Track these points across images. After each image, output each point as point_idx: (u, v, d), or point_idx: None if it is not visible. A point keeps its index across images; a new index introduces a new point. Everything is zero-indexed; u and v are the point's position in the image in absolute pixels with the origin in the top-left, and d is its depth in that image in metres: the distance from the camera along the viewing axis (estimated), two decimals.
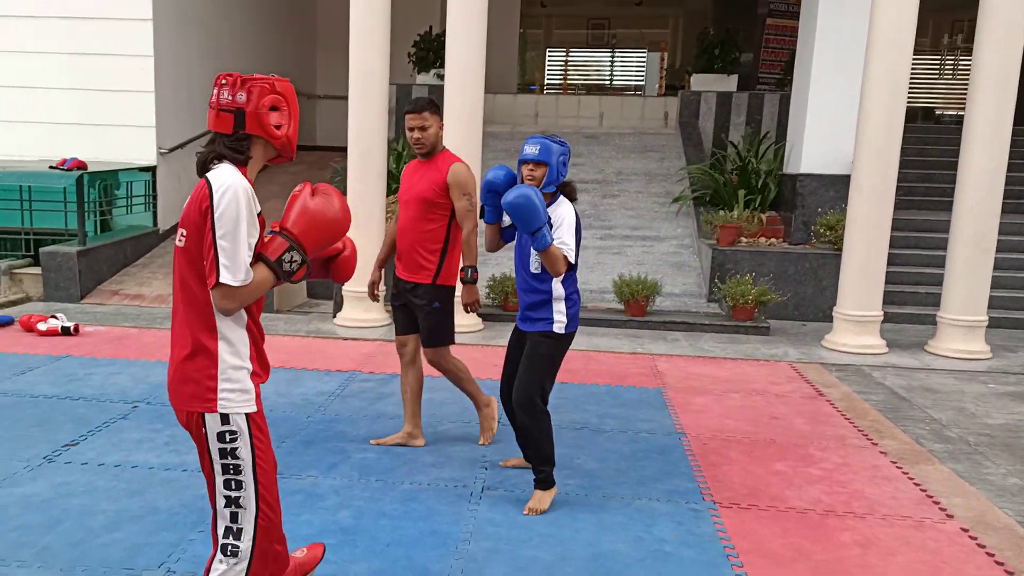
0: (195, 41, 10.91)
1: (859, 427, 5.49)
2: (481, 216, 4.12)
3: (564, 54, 20.89)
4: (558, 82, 21.60)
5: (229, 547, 2.57)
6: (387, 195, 9.65)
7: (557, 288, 3.92)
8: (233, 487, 2.55)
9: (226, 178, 2.43)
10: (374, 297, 4.82)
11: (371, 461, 4.59)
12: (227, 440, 2.52)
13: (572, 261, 3.82)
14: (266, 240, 2.52)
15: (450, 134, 7.73)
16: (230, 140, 2.50)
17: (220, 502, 2.57)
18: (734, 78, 13.44)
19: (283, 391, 5.84)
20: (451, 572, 3.40)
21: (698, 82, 13.47)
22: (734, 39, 13.51)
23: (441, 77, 10.05)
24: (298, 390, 5.86)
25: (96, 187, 9.26)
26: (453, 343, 4.76)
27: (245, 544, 2.58)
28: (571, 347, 7.24)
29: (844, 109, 9.53)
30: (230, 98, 2.48)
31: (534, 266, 3.92)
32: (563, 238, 3.78)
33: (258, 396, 2.59)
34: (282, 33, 14.26)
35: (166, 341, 7.04)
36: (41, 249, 8.57)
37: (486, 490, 4.25)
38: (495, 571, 3.43)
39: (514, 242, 4.14)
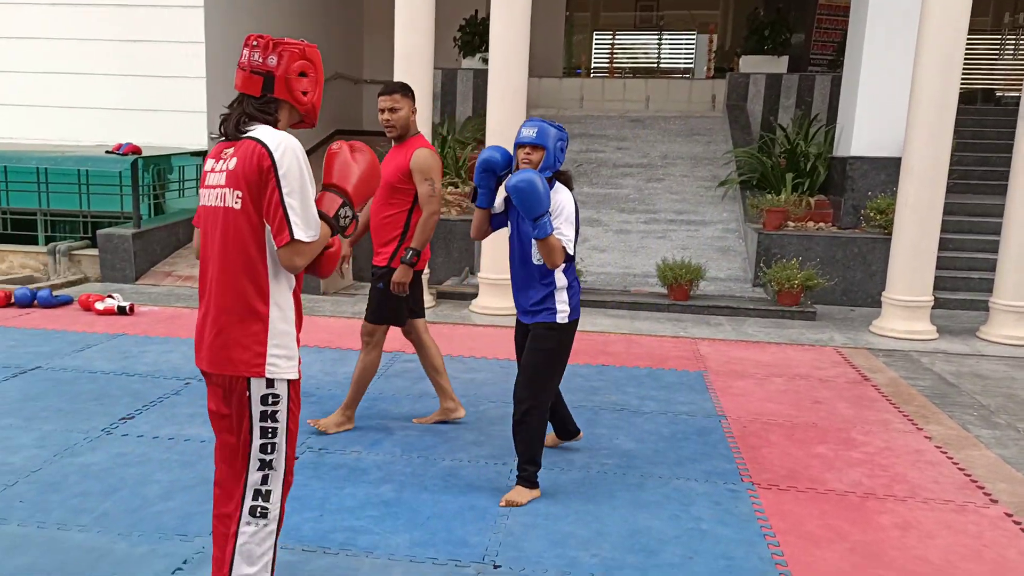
0: (245, 27, 11.07)
1: (904, 412, 5.44)
2: (472, 200, 3.94)
3: (611, 37, 20.74)
4: (605, 66, 21.47)
5: (259, 509, 2.57)
6: None
7: (560, 278, 3.80)
8: (268, 450, 2.55)
9: (279, 136, 2.42)
10: (341, 273, 4.93)
11: (413, 438, 4.68)
12: (269, 403, 2.52)
13: (571, 252, 3.71)
14: (317, 198, 2.52)
15: (493, 117, 7.79)
16: (258, 102, 2.48)
17: (253, 465, 2.56)
18: (784, 59, 13.27)
19: (329, 370, 5.96)
20: (489, 545, 3.48)
21: (747, 64, 13.32)
22: (785, 20, 13.32)
23: (486, 61, 10.08)
24: (343, 369, 5.98)
25: (150, 171, 9.50)
26: (397, 325, 4.68)
27: (274, 506, 2.59)
28: (613, 329, 7.32)
29: (896, 90, 9.37)
30: (260, 60, 2.46)
31: (537, 257, 3.76)
32: (561, 228, 3.64)
33: (299, 362, 2.61)
34: (330, 18, 14.41)
35: None
36: (98, 231, 8.83)
37: None
38: (533, 545, 3.49)
39: (505, 230, 3.99)
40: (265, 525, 2.59)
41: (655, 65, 20.37)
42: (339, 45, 14.69)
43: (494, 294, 7.96)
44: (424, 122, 7.98)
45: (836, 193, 10.61)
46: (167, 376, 5.63)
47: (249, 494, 2.58)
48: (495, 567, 3.31)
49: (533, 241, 3.72)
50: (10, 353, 6.02)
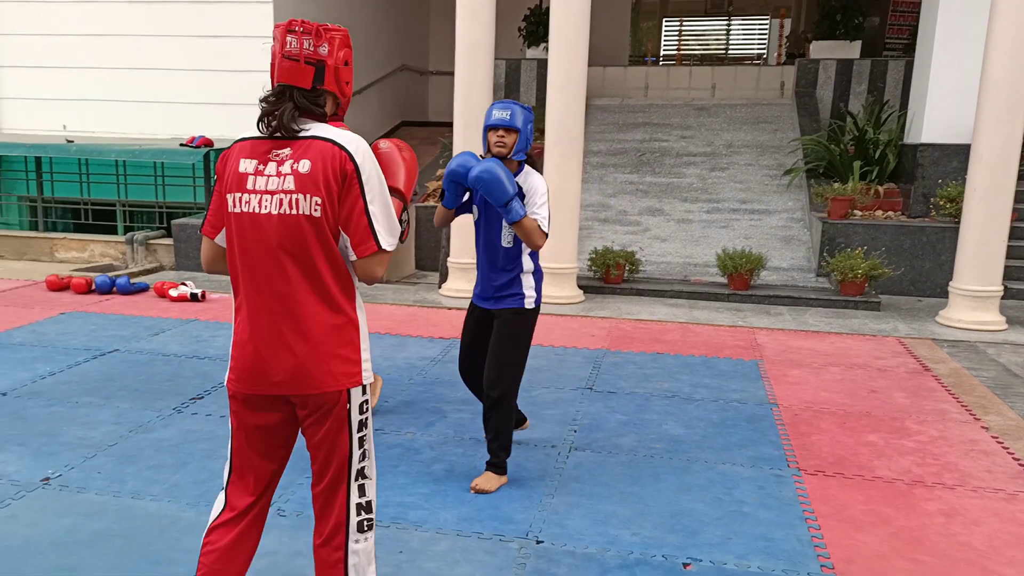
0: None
1: (963, 402, 5.37)
2: (440, 198, 3.96)
3: (679, 24, 20.56)
4: (675, 53, 21.27)
5: (365, 523, 2.43)
6: None
7: (527, 262, 3.85)
8: (364, 458, 2.43)
9: (351, 137, 2.26)
10: None
11: (466, 421, 4.83)
12: (363, 411, 2.40)
13: (547, 232, 3.72)
14: None
15: (552, 107, 7.87)
16: (310, 95, 2.27)
17: (352, 477, 2.40)
18: (857, 44, 13.00)
19: (388, 355, 6.15)
20: (533, 522, 3.59)
21: (819, 49, 13.10)
22: (857, 3, 13.05)
23: None
24: (402, 354, 6.16)
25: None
26: None
27: (374, 512, 2.49)
28: (671, 319, 7.35)
29: (969, 75, 9.14)
30: (312, 49, 2.26)
31: (505, 240, 3.80)
32: (536, 210, 3.68)
33: None
34: (396, 9, 14.63)
35: None
36: (172, 221, 9.21)
37: (573, 450, 4.42)
38: (575, 523, 3.60)
39: (473, 216, 4.00)
40: (371, 536, 2.47)
41: (723, 52, 20.13)
42: (405, 37, 14.91)
43: (553, 283, 8.05)
44: (483, 113, 8.08)
45: (906, 181, 10.40)
46: None
47: (353, 511, 2.42)
48: (538, 542, 3.42)
49: (503, 226, 3.78)
50: (91, 337, 6.36)
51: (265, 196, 2.24)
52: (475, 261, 8.00)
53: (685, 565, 3.27)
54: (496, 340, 3.89)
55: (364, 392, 2.40)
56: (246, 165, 2.27)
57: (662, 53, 21.95)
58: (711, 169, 11.43)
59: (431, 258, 10.07)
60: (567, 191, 7.96)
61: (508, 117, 3.70)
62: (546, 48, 13.01)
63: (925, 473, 4.18)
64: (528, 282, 3.87)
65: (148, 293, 7.97)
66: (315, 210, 2.22)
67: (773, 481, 4.06)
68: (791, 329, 7.29)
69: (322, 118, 2.30)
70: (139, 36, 10.71)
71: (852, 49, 12.95)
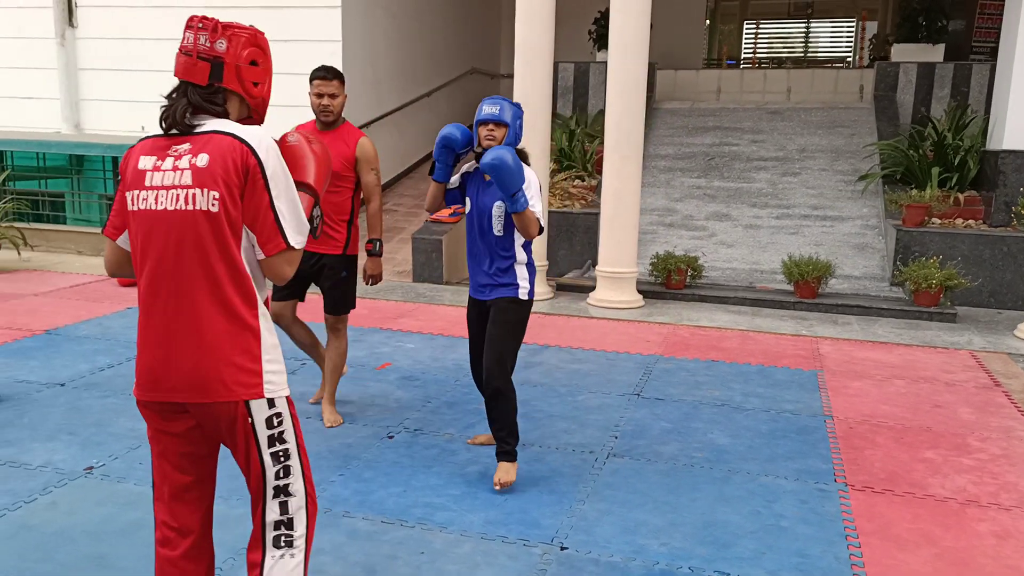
0: (380, 24, 11.50)
1: None
2: (430, 173, 3.98)
3: (755, 27, 20.18)
4: (763, 55, 20.89)
5: (282, 538, 2.29)
6: (550, 174, 9.81)
7: (520, 253, 3.89)
8: (282, 475, 2.27)
9: (255, 132, 2.17)
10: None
11: None
12: (275, 425, 2.24)
13: (543, 224, 3.78)
14: None
15: (612, 110, 7.78)
16: (205, 92, 2.19)
17: (269, 494, 2.27)
18: (940, 47, 12.53)
19: (438, 356, 6.14)
20: (560, 528, 3.52)
21: (900, 52, 12.66)
22: (941, 6, 12.57)
23: None
24: (451, 356, 6.15)
25: None
26: (353, 308, 4.77)
27: (299, 533, 2.31)
28: (731, 326, 7.18)
29: None
30: (208, 45, 2.18)
31: (497, 228, 3.84)
32: (532, 202, 3.71)
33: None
34: (467, 12, 14.70)
35: None
36: None
37: (612, 456, 4.33)
38: (603, 530, 3.51)
39: (463, 208, 4.02)
40: (291, 556, 2.30)
41: (802, 55, 19.66)
42: (476, 40, 14.97)
43: (611, 287, 7.96)
44: (543, 115, 8.05)
45: (989, 189, 9.94)
46: (287, 357, 5.95)
47: (270, 527, 2.29)
48: (562, 549, 3.35)
49: (493, 214, 3.82)
50: None
51: (161, 192, 2.14)
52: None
53: None
54: (494, 328, 3.88)
55: (272, 405, 2.22)
56: (145, 162, 2.19)
57: (742, 56, 21.56)
58: (782, 174, 11.15)
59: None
60: (626, 195, 7.85)
61: (497, 112, 3.77)
62: None
63: (981, 492, 3.96)
64: (522, 273, 3.91)
65: None
66: (213, 205, 2.11)
67: (817, 495, 3.89)
68: (857, 340, 7.03)
69: (221, 116, 2.21)
70: None
71: (935, 52, 12.49)
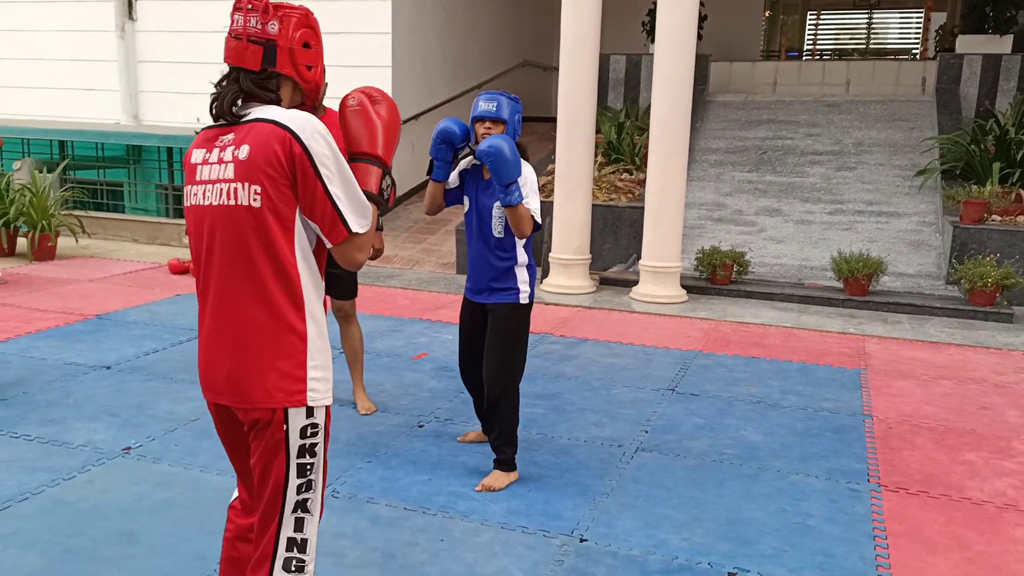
0: (431, 16, 11.55)
1: None
2: (428, 173, 3.83)
3: (816, 17, 19.74)
4: (824, 47, 20.44)
5: (294, 561, 2.14)
6: (597, 167, 9.75)
7: (521, 254, 3.76)
8: (304, 489, 2.14)
9: (296, 115, 2.02)
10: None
11: (538, 416, 4.77)
12: (308, 435, 2.11)
13: (539, 221, 3.63)
14: (355, 174, 2.12)
15: (658, 103, 7.70)
16: (258, 78, 2.06)
17: (288, 509, 2.13)
18: (1008, 39, 12.12)
19: None
20: (581, 520, 3.51)
21: (965, 44, 12.28)
22: None
23: None
24: None
25: None
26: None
27: (310, 556, 2.18)
28: (776, 323, 7.06)
29: None
30: (259, 27, 2.05)
31: (497, 230, 3.72)
32: (528, 198, 3.58)
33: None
34: (520, 4, 14.67)
35: (386, 298, 7.64)
36: None
37: (640, 451, 4.30)
38: (625, 524, 3.49)
39: (462, 207, 3.90)
40: None
41: (864, 47, 19.19)
42: (528, 32, 14.93)
43: (655, 282, 7.89)
44: (588, 107, 8.01)
45: None
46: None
47: (282, 545, 2.14)
48: (581, 540, 3.34)
49: (493, 214, 3.71)
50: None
51: (208, 187, 2.06)
52: (574, 256, 7.98)
53: (730, 575, 3.11)
54: (493, 338, 3.79)
55: (311, 415, 2.10)
56: (196, 156, 2.12)
57: (805, 48, 21.11)
58: (837, 168, 10.91)
59: (536, 254, 10.05)
60: (671, 189, 7.77)
61: (494, 109, 3.63)
62: None
63: (1021, 497, 3.83)
64: (522, 276, 3.78)
65: None
66: (255, 200, 2.00)
67: (847, 495, 3.81)
68: (907, 339, 6.86)
69: (273, 103, 2.08)
70: None
71: (1003, 44, 12.08)
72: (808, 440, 4.50)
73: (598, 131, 11.56)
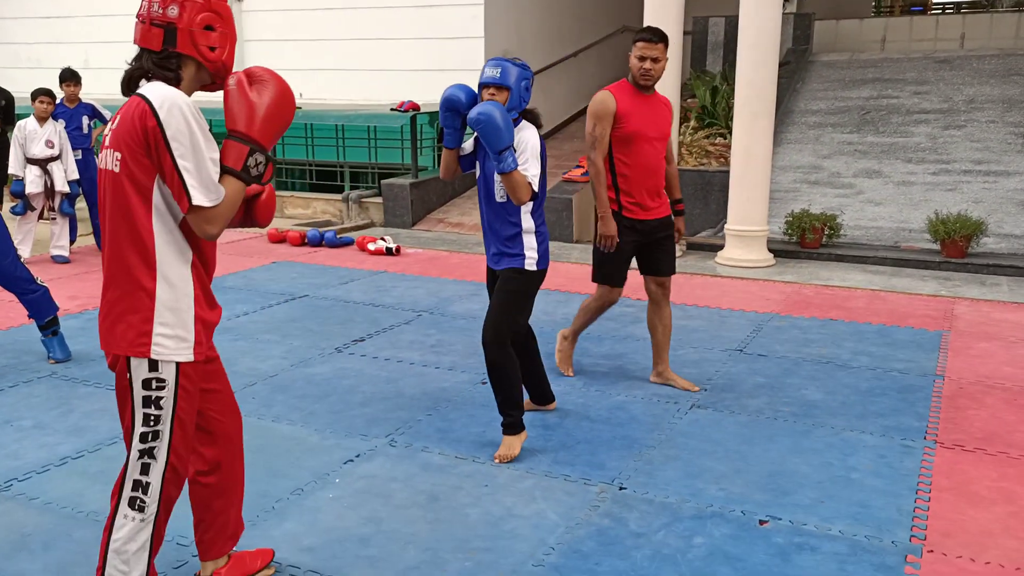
0: None
1: None
2: (439, 140, 3.84)
3: None
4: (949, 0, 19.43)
5: (137, 501, 2.37)
6: (691, 131, 9.62)
7: (526, 220, 3.70)
8: (151, 438, 2.35)
9: (164, 92, 2.20)
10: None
11: (599, 374, 4.88)
12: (152, 388, 2.31)
13: (535, 189, 3.59)
14: (221, 150, 2.29)
15: (742, 65, 7.61)
16: (158, 57, 2.25)
17: (134, 453, 2.37)
18: None
19: (549, 311, 6.28)
20: (623, 470, 3.62)
21: None
22: None
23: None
24: (563, 310, 6.28)
25: (433, 127, 10.41)
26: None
27: (152, 499, 2.38)
28: (864, 285, 6.91)
29: None
30: (160, 11, 2.22)
31: (499, 195, 3.70)
32: (526, 165, 3.56)
33: (198, 343, 2.36)
34: None
35: (470, 264, 7.86)
36: (382, 181, 9.90)
37: (694, 407, 4.35)
38: (665, 474, 3.58)
39: (476, 172, 3.87)
40: (142, 520, 2.39)
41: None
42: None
43: (740, 245, 7.81)
44: (673, 73, 7.96)
45: None
46: (404, 308, 6.30)
47: (128, 484, 2.39)
48: (620, 488, 3.45)
49: (496, 180, 3.68)
50: (290, 283, 7.05)
51: (102, 152, 2.32)
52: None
53: (761, 522, 3.17)
54: (495, 298, 3.81)
55: (154, 368, 2.29)
56: (109, 125, 2.35)
57: (932, 1, 20.09)
58: (944, 127, 10.45)
59: None
60: (756, 152, 7.66)
61: (498, 75, 3.59)
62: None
63: None
64: (529, 242, 3.72)
65: (352, 247, 8.65)
66: (115, 165, 2.23)
67: (898, 451, 3.78)
68: (1002, 301, 6.59)
69: (173, 82, 2.25)
70: (364, 8, 11.53)
71: None
72: (870, 399, 4.45)
73: (692, 95, 11.44)
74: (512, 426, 3.80)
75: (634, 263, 4.60)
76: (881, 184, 9.61)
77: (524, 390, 4.06)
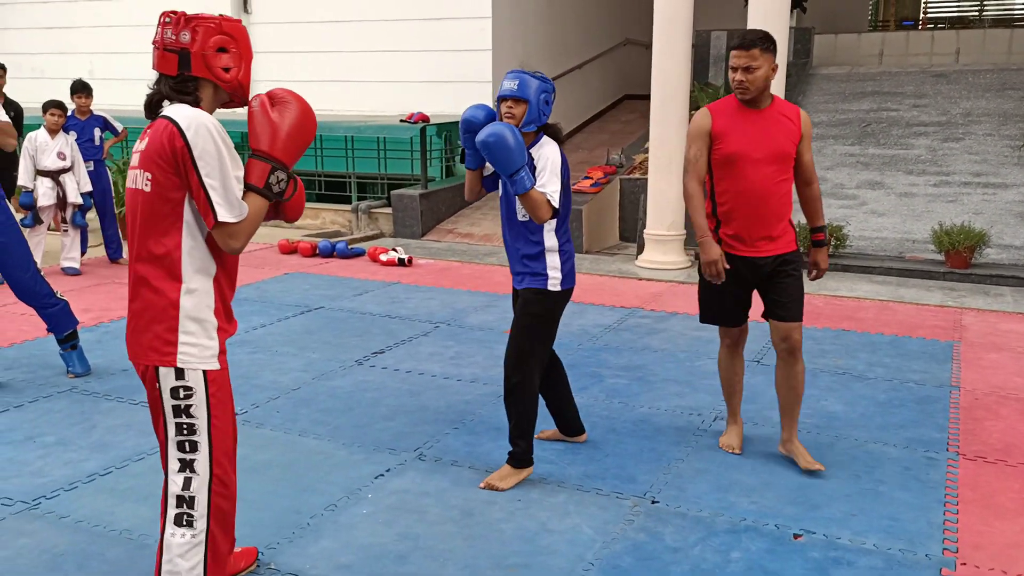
0: (530, 1, 11.72)
1: None
2: (461, 160, 3.63)
3: None
4: (947, 14, 19.57)
5: (184, 517, 2.43)
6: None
7: (549, 239, 3.56)
8: (189, 449, 2.41)
9: (190, 114, 2.30)
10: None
11: (621, 387, 4.93)
12: (180, 396, 2.39)
13: (556, 206, 3.44)
14: (245, 168, 2.41)
15: None
16: (175, 82, 2.35)
17: (172, 466, 2.43)
18: None
19: (565, 322, 6.23)
20: (655, 483, 3.67)
21: None
22: None
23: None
24: (579, 321, 6.33)
25: (441, 138, 10.48)
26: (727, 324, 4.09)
27: (199, 513, 2.43)
28: (872, 296, 6.97)
29: None
30: (173, 37, 2.32)
31: (521, 214, 3.57)
32: (545, 182, 3.43)
33: (222, 353, 2.46)
34: None
35: (482, 274, 7.91)
36: (392, 192, 9.95)
37: (718, 419, 4.41)
38: (696, 488, 3.63)
39: (499, 192, 3.76)
40: (192, 536, 2.43)
41: (977, 15, 18.29)
42: (629, 9, 14.88)
43: None
44: (682, 84, 8.04)
45: None
46: (421, 320, 6.34)
47: (172, 501, 2.45)
48: (653, 502, 3.50)
49: (517, 198, 3.53)
50: (304, 295, 7.08)
51: (130, 172, 2.44)
52: (668, 232, 7.99)
53: (795, 536, 3.22)
54: (516, 321, 3.67)
55: (181, 376, 2.38)
56: (134, 147, 2.47)
57: (922, 16, 20.25)
58: (943, 140, 10.57)
59: (633, 230, 10.13)
60: None
61: (516, 88, 3.47)
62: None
63: None
64: (553, 261, 3.59)
65: (363, 258, 8.69)
66: (146, 185, 2.34)
67: (922, 463, 3.84)
68: (1007, 311, 6.68)
69: (192, 103, 2.36)
70: (373, 21, 11.60)
71: None
72: (889, 410, 4.52)
73: (697, 107, 11.53)
74: (515, 457, 3.66)
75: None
76: (884, 195, 9.71)
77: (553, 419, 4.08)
